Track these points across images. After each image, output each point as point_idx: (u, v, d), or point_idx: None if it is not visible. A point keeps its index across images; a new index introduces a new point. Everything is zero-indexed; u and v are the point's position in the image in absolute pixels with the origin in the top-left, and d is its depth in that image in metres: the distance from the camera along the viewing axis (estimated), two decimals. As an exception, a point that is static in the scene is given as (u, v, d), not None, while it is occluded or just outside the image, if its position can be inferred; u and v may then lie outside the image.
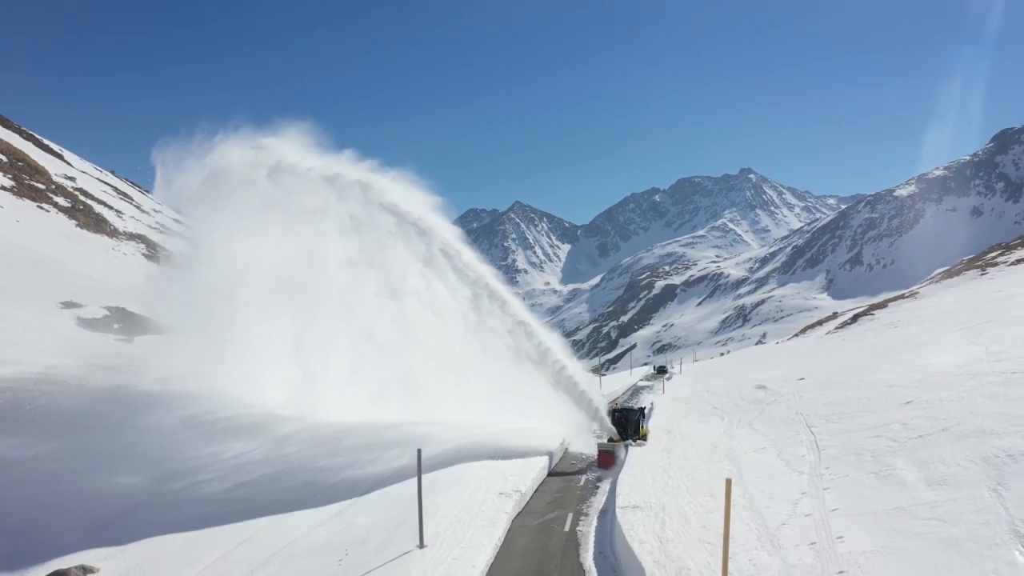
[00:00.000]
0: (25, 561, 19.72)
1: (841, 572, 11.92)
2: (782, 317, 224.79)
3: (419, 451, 17.34)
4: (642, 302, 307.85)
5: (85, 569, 18.38)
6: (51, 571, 18.08)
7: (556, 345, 31.34)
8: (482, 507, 20.00)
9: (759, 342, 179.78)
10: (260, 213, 32.89)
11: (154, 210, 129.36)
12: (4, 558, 20.42)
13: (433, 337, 33.99)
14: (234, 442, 28.88)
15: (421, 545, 16.78)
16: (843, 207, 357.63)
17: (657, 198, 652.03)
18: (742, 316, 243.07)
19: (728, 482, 11.49)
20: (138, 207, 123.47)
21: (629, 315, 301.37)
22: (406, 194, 33.12)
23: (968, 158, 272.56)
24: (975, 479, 13.69)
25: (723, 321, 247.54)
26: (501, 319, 30.91)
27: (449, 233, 33.09)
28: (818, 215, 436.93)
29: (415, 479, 23.25)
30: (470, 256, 32.67)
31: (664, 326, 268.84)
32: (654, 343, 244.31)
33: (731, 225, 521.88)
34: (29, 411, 30.90)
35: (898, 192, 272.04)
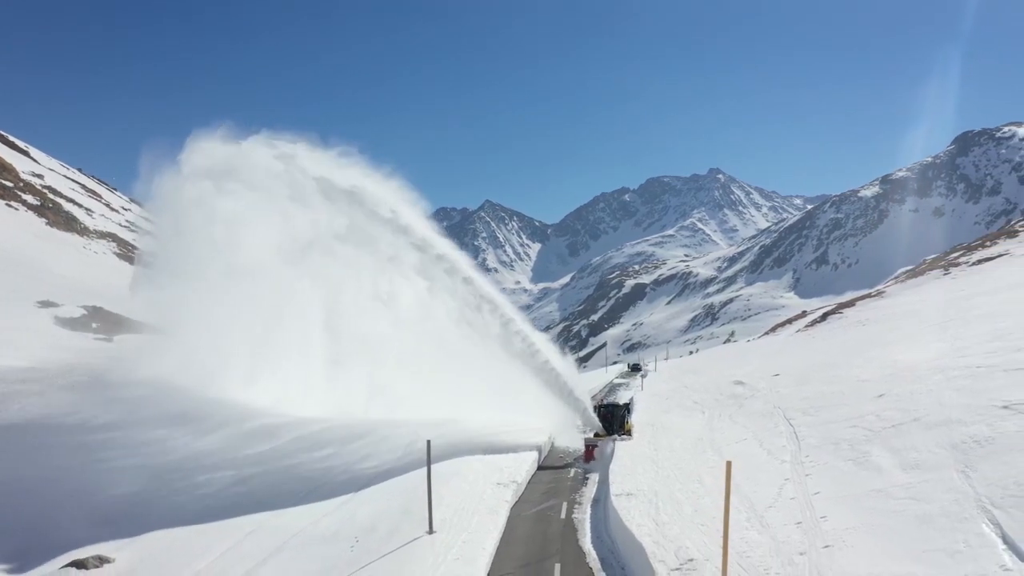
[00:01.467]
0: (39, 554, 20.25)
1: (827, 546, 13.12)
2: (750, 316, 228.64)
3: (428, 442, 18.34)
4: (612, 301, 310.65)
5: (101, 559, 19.03)
6: (69, 561, 18.73)
7: (544, 344, 32.27)
8: (483, 496, 21.02)
9: (727, 340, 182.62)
10: (245, 211, 33.28)
11: (123, 208, 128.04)
12: (17, 552, 20.96)
13: (417, 335, 34.57)
14: (226, 439, 29.23)
15: (431, 531, 17.73)
16: (809, 207, 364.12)
17: (627, 197, 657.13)
18: (711, 315, 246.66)
19: (728, 464, 12.62)
20: (107, 205, 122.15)
21: (599, 314, 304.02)
22: (398, 200, 33.82)
23: (930, 160, 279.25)
24: (945, 463, 15.00)
25: (692, 320, 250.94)
26: (490, 318, 31.77)
27: (430, 230, 34.02)
28: (785, 215, 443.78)
29: (411, 473, 24.28)
30: (461, 257, 33.58)
31: (634, 325, 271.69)
32: (624, 342, 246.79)
33: (700, 225, 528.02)
34: (18, 410, 31.19)
35: (863, 193, 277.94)
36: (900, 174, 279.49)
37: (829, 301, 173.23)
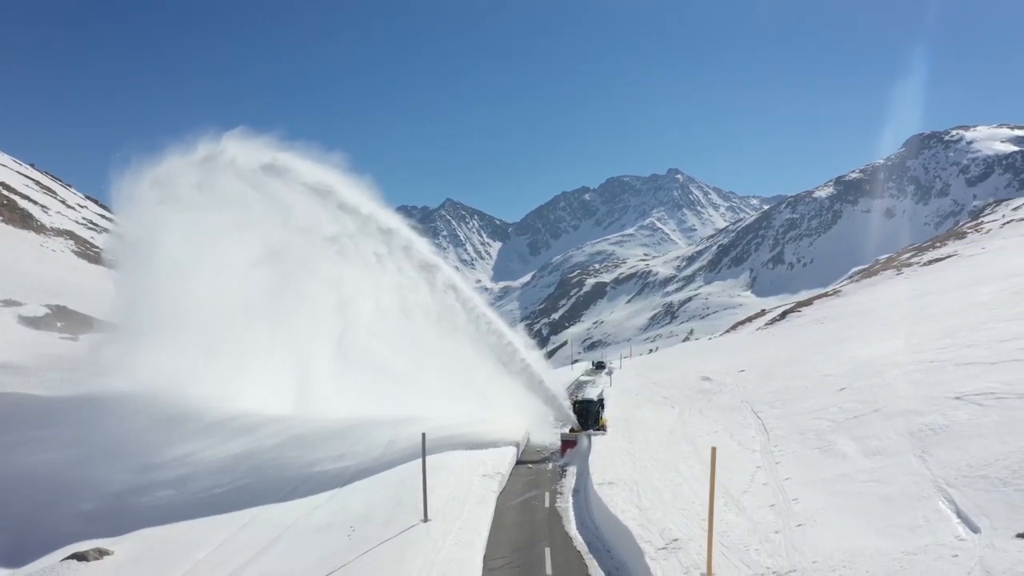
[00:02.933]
0: (34, 549, 20.69)
1: (799, 525, 14.35)
2: (708, 314, 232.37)
3: (423, 435, 19.22)
4: (573, 299, 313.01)
5: (101, 551, 19.53)
6: (70, 554, 19.20)
7: (522, 344, 33.17)
8: (471, 487, 21.96)
9: (686, 339, 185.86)
10: (218, 212, 33.56)
11: (79, 205, 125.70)
12: (13, 547, 21.32)
13: (392, 333, 35.09)
14: (206, 437, 29.54)
15: (426, 519, 18.63)
16: (766, 207, 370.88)
17: (587, 197, 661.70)
18: (670, 313, 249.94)
19: (713, 450, 13.72)
20: (63, 202, 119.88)
21: (560, 312, 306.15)
22: (368, 197, 34.38)
23: (882, 162, 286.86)
24: (904, 449, 16.37)
25: (652, 318, 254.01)
26: (467, 318, 32.55)
27: (410, 231, 34.69)
28: (742, 215, 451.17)
29: (397, 468, 25.09)
30: (445, 265, 34.38)
31: (594, 323, 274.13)
32: (585, 340, 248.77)
33: (659, 224, 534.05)
34: (-6, 408, 31.28)
35: (817, 194, 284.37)
36: (853, 176, 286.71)
37: (785, 300, 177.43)
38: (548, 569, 16.22)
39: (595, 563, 16.41)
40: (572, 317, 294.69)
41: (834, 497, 15.33)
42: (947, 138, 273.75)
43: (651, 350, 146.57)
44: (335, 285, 33.85)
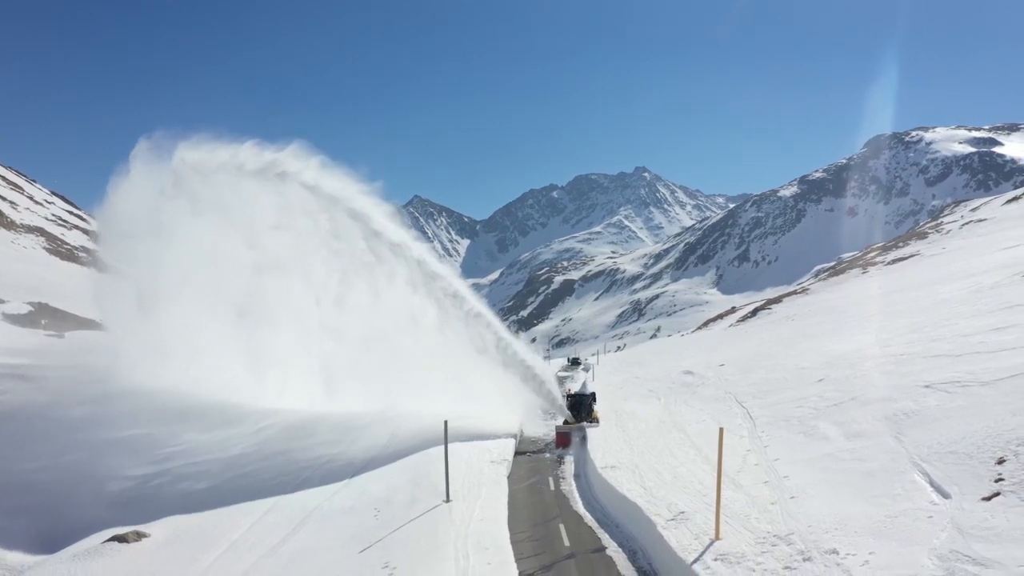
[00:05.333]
0: (69, 533, 21.92)
1: (792, 497, 16.23)
2: (675, 311, 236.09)
3: (446, 422, 20.72)
4: (541, 297, 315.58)
5: (139, 534, 20.83)
6: (110, 536, 20.45)
7: (517, 341, 34.64)
8: (482, 472, 23.62)
9: (653, 335, 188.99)
10: (203, 212, 34.30)
11: (46, 201, 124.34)
12: (47, 531, 22.53)
13: (384, 329, 36.03)
14: (209, 432, 30.47)
15: (447, 500, 20.22)
16: (731, 206, 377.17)
17: (555, 194, 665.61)
18: (638, 310, 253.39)
19: (721, 430, 15.48)
20: (31, 198, 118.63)
21: (528, 310, 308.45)
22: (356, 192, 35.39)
23: (844, 162, 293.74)
24: (881, 431, 18.35)
25: (620, 315, 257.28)
26: (465, 317, 33.81)
27: (401, 231, 35.83)
28: (708, 213, 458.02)
29: (408, 458, 26.54)
30: (433, 258, 35.61)
31: (563, 320, 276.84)
32: (553, 337, 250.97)
33: (626, 222, 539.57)
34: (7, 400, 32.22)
35: (782, 193, 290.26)
36: (817, 175, 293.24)
37: (751, 297, 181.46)
38: (566, 541, 17.94)
39: (606, 536, 18.16)
40: (540, 314, 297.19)
41: (821, 473, 17.26)
42: (907, 139, 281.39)
43: (619, 347, 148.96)
44: (328, 286, 34.81)
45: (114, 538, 20.28)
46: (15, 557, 22.23)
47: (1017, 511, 11.96)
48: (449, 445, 27.31)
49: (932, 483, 14.39)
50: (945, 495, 13.71)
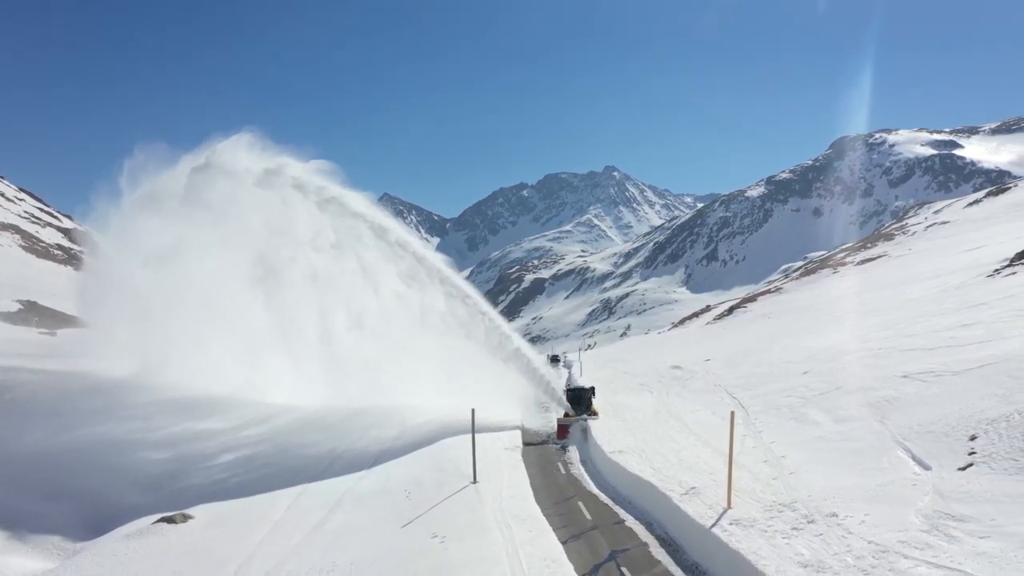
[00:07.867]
0: (111, 518, 23.13)
1: (792, 473, 18.39)
2: (645, 310, 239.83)
3: (472, 410, 22.57)
4: (512, 295, 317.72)
5: (185, 516, 22.32)
6: (159, 518, 21.90)
7: (517, 336, 36.40)
8: (499, 457, 25.54)
9: (623, 334, 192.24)
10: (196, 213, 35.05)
11: (17, 199, 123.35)
12: (89, 516, 23.75)
13: (384, 324, 37.21)
14: (222, 424, 31.73)
15: (475, 481, 22.06)
16: (700, 206, 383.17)
17: (525, 193, 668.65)
18: (608, 309, 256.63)
19: (732, 414, 17.57)
20: (2, 195, 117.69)
21: (499, 308, 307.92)
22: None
23: (810, 163, 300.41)
24: (866, 416, 20.61)
25: (590, 314, 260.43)
26: (470, 313, 35.42)
27: (403, 230, 37.37)
28: (677, 213, 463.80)
29: (426, 448, 28.10)
30: (437, 256, 37.28)
31: (534, 319, 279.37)
32: (524, 335, 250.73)
33: (596, 221, 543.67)
34: (10, 400, 33.17)
35: (749, 193, 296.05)
36: (783, 176, 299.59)
37: (719, 296, 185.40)
38: (587, 515, 19.92)
39: (622, 511, 20.15)
40: (511, 313, 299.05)
41: (815, 453, 19.46)
42: (871, 141, 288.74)
43: (589, 346, 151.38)
44: (328, 285, 36.12)
45: (162, 519, 21.74)
46: (57, 541, 23.39)
47: (988, 478, 14.19)
48: (466, 435, 29.25)
49: (914, 458, 16.61)
50: (926, 467, 15.92)
